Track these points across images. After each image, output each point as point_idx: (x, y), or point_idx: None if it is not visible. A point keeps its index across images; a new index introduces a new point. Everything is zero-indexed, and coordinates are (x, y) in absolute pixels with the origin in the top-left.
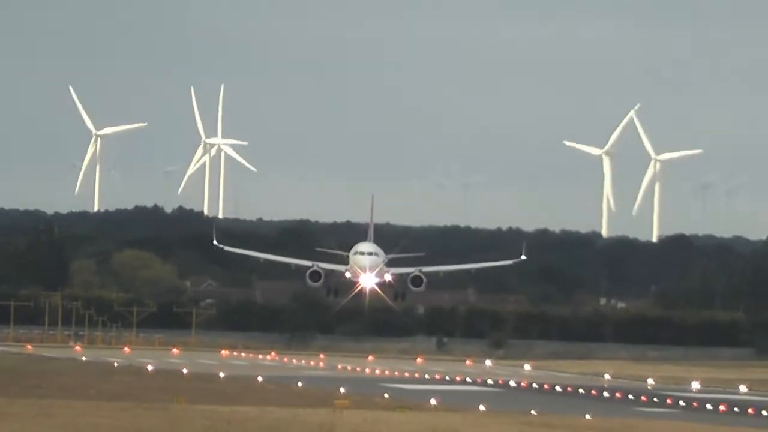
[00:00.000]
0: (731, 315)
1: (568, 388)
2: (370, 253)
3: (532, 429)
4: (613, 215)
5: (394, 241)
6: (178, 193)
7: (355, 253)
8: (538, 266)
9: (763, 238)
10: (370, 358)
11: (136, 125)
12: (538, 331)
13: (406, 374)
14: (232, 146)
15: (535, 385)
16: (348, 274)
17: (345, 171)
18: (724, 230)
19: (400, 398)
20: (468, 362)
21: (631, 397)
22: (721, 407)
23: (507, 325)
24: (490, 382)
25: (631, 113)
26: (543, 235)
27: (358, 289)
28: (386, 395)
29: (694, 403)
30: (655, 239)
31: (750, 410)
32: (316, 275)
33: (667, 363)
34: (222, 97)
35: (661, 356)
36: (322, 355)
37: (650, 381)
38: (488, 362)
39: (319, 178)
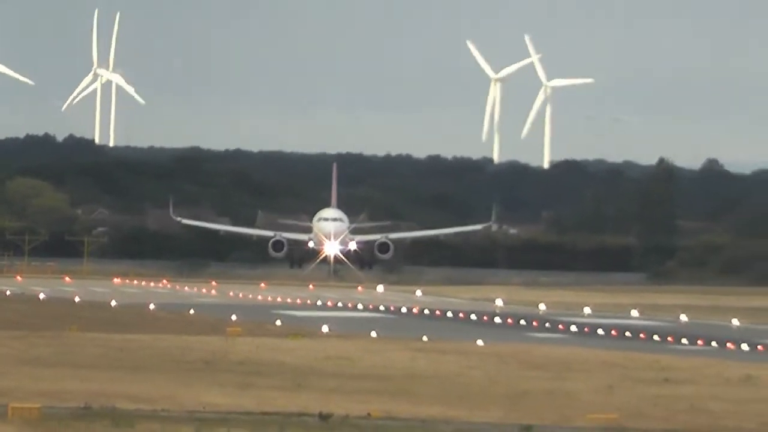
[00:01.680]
0: (623, 240)
1: (460, 314)
2: (335, 219)
3: (424, 355)
4: (504, 140)
5: (287, 169)
6: (62, 109)
7: (319, 220)
8: (430, 193)
9: (654, 162)
10: (262, 285)
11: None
12: (430, 258)
13: (298, 301)
14: (122, 75)
15: (426, 311)
16: (311, 243)
17: (235, 98)
18: (614, 155)
19: (292, 325)
20: (360, 289)
21: (522, 322)
22: (613, 332)
23: (399, 252)
24: (381, 308)
25: (527, 40)
26: (434, 161)
27: (321, 257)
28: (278, 322)
29: (586, 329)
30: (546, 165)
31: (641, 335)
32: (278, 245)
33: (559, 288)
34: (117, 27)
35: (553, 282)
36: (214, 283)
37: (542, 306)
38: (380, 288)
39: (209, 105)
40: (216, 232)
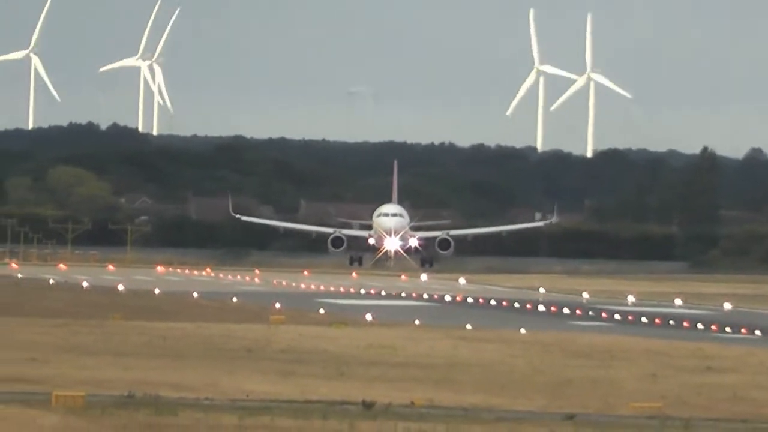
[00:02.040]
0: (665, 229)
1: (503, 303)
2: (395, 215)
3: (467, 343)
4: (549, 129)
5: (329, 157)
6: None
7: (379, 215)
8: (472, 181)
9: (696, 152)
10: (306, 273)
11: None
12: (473, 246)
13: (342, 289)
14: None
15: (470, 299)
16: (372, 240)
17: (277, 87)
18: (657, 144)
19: (336, 314)
20: (403, 277)
21: (566, 311)
22: (656, 320)
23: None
24: (425, 296)
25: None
26: (478, 150)
27: (382, 253)
28: (321, 311)
29: (629, 317)
30: (589, 154)
31: (685, 323)
32: (338, 241)
33: (601, 277)
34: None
35: (595, 270)
36: (257, 271)
37: (585, 295)
38: (423, 277)
39: (253, 93)
40: (275, 228)
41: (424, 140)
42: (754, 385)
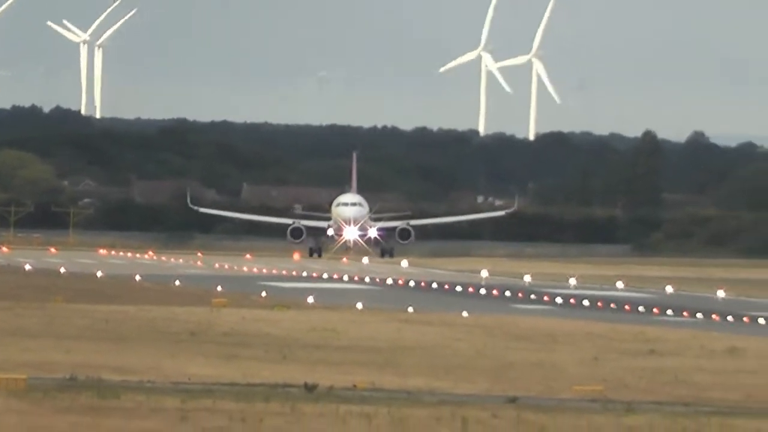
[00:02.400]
0: (609, 212)
1: (446, 286)
2: (354, 204)
3: (410, 326)
4: (492, 112)
5: (273, 140)
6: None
7: (338, 205)
8: (415, 164)
9: (640, 135)
10: (248, 256)
11: None
12: (417, 229)
13: (284, 272)
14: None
15: (412, 282)
16: (330, 231)
17: (221, 70)
18: (601, 127)
19: (278, 297)
20: (345, 260)
21: (508, 294)
22: (598, 304)
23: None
24: (367, 279)
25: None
26: (421, 133)
27: (341, 243)
28: (264, 294)
29: (571, 300)
30: (532, 137)
31: (627, 307)
32: (297, 232)
33: (544, 260)
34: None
35: (538, 253)
36: (199, 254)
37: (527, 278)
38: (365, 260)
39: (197, 77)
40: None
41: (367, 123)
42: (696, 369)
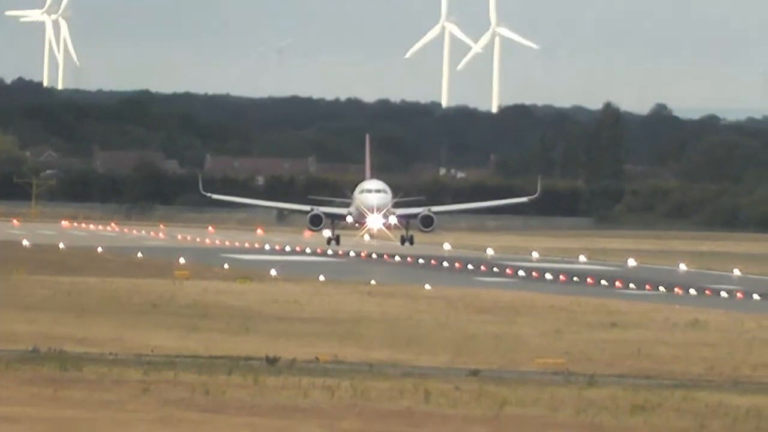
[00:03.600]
0: (571, 184)
1: (408, 258)
2: (378, 191)
3: (372, 299)
4: (454, 84)
5: (235, 112)
6: None
7: (362, 192)
8: (378, 136)
9: (601, 107)
10: (210, 228)
11: None
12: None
13: (246, 245)
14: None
15: (374, 255)
16: (349, 218)
17: (183, 41)
18: (563, 100)
19: (240, 269)
20: (307, 233)
21: (470, 267)
22: (561, 276)
23: (347, 195)
24: (330, 252)
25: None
26: (383, 105)
27: (364, 231)
28: (226, 266)
29: (534, 273)
30: (494, 109)
31: (589, 279)
32: (316, 219)
33: (506, 233)
34: None
35: (500, 226)
36: (162, 226)
37: (489, 251)
38: (327, 233)
39: (158, 48)
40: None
41: (329, 95)
42: (658, 342)
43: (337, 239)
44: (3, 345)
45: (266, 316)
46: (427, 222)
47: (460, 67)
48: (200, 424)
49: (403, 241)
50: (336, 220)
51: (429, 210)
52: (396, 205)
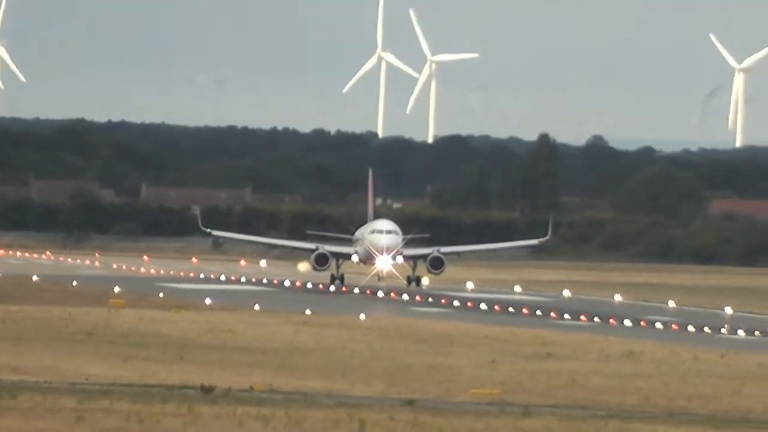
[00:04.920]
0: (507, 215)
1: (343, 288)
2: (389, 231)
3: (307, 328)
4: (389, 115)
5: (171, 141)
6: None
7: (372, 232)
8: (314, 166)
9: (536, 138)
10: (145, 257)
11: None
12: (314, 231)
13: (182, 274)
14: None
15: (309, 284)
16: (355, 258)
17: (118, 70)
18: (499, 131)
19: (176, 298)
20: (243, 262)
21: (405, 297)
22: (496, 307)
23: (283, 225)
24: (265, 281)
25: (411, 13)
26: (319, 135)
27: (374, 273)
28: (161, 294)
29: (469, 303)
30: (430, 139)
31: (525, 310)
32: (322, 259)
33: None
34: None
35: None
36: (97, 254)
37: (425, 281)
38: (263, 262)
39: (94, 77)
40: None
41: (266, 125)
42: (593, 372)
43: (342, 279)
44: None
45: (201, 345)
46: (436, 264)
47: (409, 109)
48: None
49: (409, 282)
50: (341, 259)
51: (438, 251)
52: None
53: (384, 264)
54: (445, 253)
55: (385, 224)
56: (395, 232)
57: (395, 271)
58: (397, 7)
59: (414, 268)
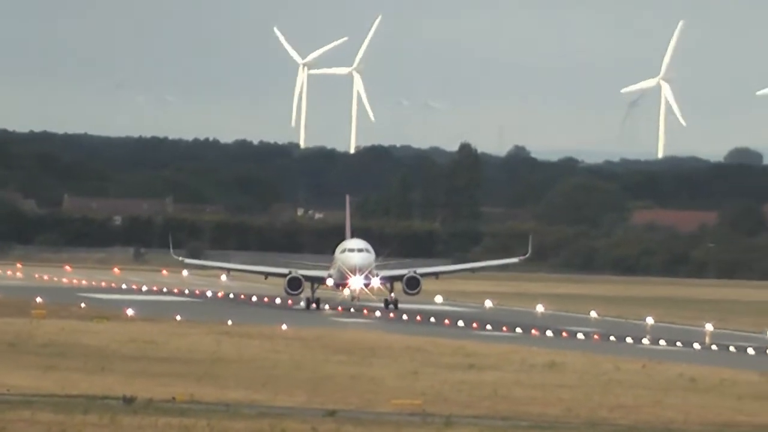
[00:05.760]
0: (429, 225)
1: (265, 299)
2: (360, 250)
3: (229, 339)
4: (311, 126)
5: (93, 152)
6: None
7: (344, 251)
8: (236, 176)
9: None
10: (68, 268)
11: None
12: (236, 242)
13: (103, 284)
14: None
15: (231, 295)
16: (330, 281)
17: (41, 80)
18: (421, 141)
19: (97, 308)
20: (164, 272)
21: (327, 307)
22: (418, 317)
23: (205, 235)
24: (186, 292)
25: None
26: (241, 146)
27: (347, 293)
28: (83, 305)
29: (391, 314)
30: (352, 150)
31: (446, 321)
32: (296, 282)
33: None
34: None
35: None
36: (19, 264)
37: (346, 292)
38: (185, 272)
39: (14, 87)
40: (223, 267)
41: (187, 136)
42: (515, 383)
43: (317, 303)
44: None
45: (123, 355)
46: (412, 284)
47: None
48: None
49: (387, 305)
50: (315, 283)
51: (414, 272)
52: (379, 267)
53: (357, 283)
54: (421, 274)
55: (356, 243)
56: (367, 250)
57: (368, 292)
58: (318, 17)
59: (390, 290)
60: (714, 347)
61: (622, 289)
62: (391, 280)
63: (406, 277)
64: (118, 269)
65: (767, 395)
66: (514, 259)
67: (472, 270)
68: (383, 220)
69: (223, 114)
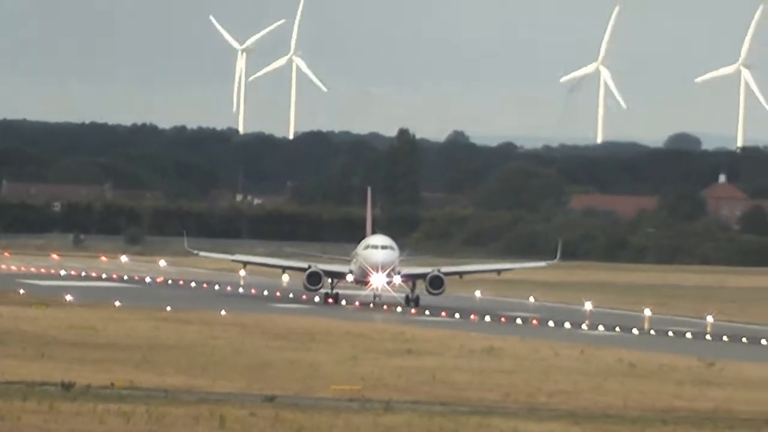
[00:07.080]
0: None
1: (204, 285)
2: (384, 247)
3: (167, 324)
4: (250, 111)
5: (31, 137)
6: None
7: (367, 247)
8: (174, 162)
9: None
10: (6, 254)
11: None
12: (175, 227)
13: (42, 270)
14: None
15: (170, 281)
16: (350, 277)
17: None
18: (360, 127)
19: (36, 294)
20: (103, 258)
21: (266, 293)
22: (356, 303)
23: (143, 221)
24: (125, 278)
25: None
26: (179, 132)
27: (369, 291)
28: (22, 291)
29: (329, 299)
30: (291, 136)
31: (385, 306)
32: (315, 277)
33: (302, 259)
34: None
35: (297, 252)
36: None
37: (285, 277)
38: (124, 258)
39: None
40: (242, 262)
41: (125, 121)
42: (453, 368)
43: (336, 298)
44: None
45: (62, 341)
46: (436, 284)
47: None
48: None
49: (408, 302)
50: (335, 278)
51: (438, 270)
52: (402, 263)
53: (379, 281)
54: (446, 273)
55: (380, 239)
56: (391, 248)
57: (390, 290)
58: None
59: (413, 288)
60: (653, 332)
61: (560, 275)
62: (414, 278)
63: (429, 276)
64: (57, 255)
65: (706, 380)
66: (542, 263)
67: (498, 271)
68: (321, 206)
69: (162, 100)
